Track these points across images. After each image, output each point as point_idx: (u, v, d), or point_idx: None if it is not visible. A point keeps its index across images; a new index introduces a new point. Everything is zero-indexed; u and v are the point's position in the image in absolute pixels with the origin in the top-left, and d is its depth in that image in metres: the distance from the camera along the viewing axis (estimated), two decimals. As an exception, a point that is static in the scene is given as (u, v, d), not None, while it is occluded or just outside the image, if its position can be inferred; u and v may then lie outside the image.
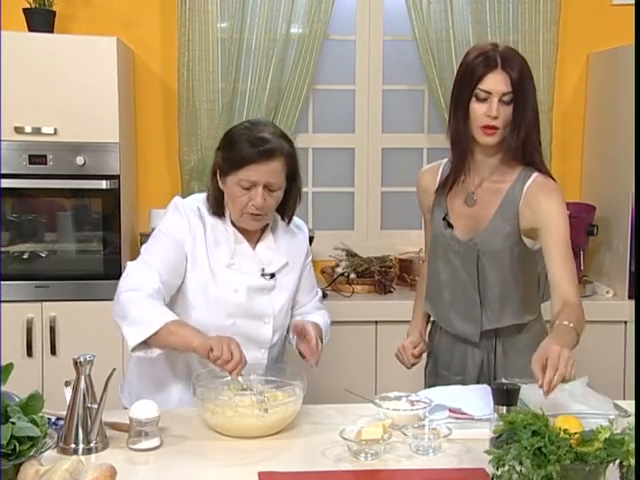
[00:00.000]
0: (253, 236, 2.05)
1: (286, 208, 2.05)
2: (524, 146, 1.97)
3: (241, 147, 1.92)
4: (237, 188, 1.93)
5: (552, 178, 2.02)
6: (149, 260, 1.96)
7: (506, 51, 1.96)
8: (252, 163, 1.90)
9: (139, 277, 1.93)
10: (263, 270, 2.03)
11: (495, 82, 1.92)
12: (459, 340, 2.15)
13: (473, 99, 1.94)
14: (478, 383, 2.10)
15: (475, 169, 2.05)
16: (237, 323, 2.00)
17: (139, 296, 1.89)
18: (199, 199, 2.07)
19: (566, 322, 1.80)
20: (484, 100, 1.93)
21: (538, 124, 2.00)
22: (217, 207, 2.01)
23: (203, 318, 1.97)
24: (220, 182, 1.98)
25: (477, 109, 1.94)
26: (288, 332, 2.15)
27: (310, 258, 2.19)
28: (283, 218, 2.08)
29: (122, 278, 1.97)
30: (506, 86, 1.92)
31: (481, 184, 2.05)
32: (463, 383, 2.10)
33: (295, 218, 2.13)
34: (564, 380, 1.66)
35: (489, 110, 1.92)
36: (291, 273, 2.09)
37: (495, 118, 1.93)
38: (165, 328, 1.84)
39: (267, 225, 2.06)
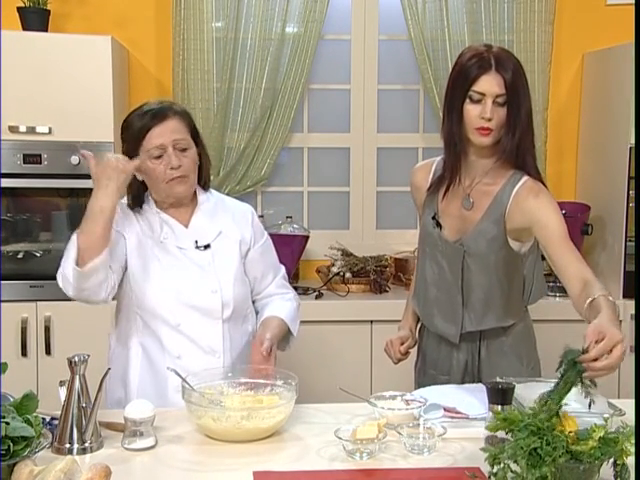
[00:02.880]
0: (185, 216, 2.08)
1: (201, 170, 2.08)
2: (518, 148, 1.96)
3: (134, 122, 2.00)
4: (150, 162, 1.98)
5: (542, 182, 2.01)
6: None
7: (500, 53, 1.95)
8: (149, 129, 1.97)
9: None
10: (197, 242, 2.06)
11: (489, 84, 1.91)
12: (444, 340, 2.15)
13: (467, 101, 1.94)
14: (463, 383, 2.10)
15: (467, 170, 2.05)
16: (181, 296, 2.02)
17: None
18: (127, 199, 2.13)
19: (603, 295, 1.72)
20: (478, 102, 1.93)
21: (532, 126, 1.99)
22: (138, 198, 2.06)
23: (143, 295, 2.03)
24: (136, 171, 2.00)
25: (471, 111, 1.94)
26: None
27: (265, 239, 2.19)
28: (202, 185, 2.11)
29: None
30: (500, 88, 1.91)
31: (472, 186, 2.04)
32: (449, 382, 2.10)
33: (244, 206, 2.18)
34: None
35: (483, 112, 1.92)
36: (230, 242, 2.10)
37: (489, 120, 1.92)
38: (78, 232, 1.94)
39: (196, 204, 2.09)
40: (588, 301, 1.74)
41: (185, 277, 2.04)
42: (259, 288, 2.19)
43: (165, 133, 1.97)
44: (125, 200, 2.09)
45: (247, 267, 2.14)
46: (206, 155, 2.11)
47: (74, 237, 1.96)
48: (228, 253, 2.09)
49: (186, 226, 2.08)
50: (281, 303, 2.19)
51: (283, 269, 2.27)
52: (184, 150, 2.00)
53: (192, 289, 2.04)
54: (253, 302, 2.21)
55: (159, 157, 1.98)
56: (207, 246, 2.07)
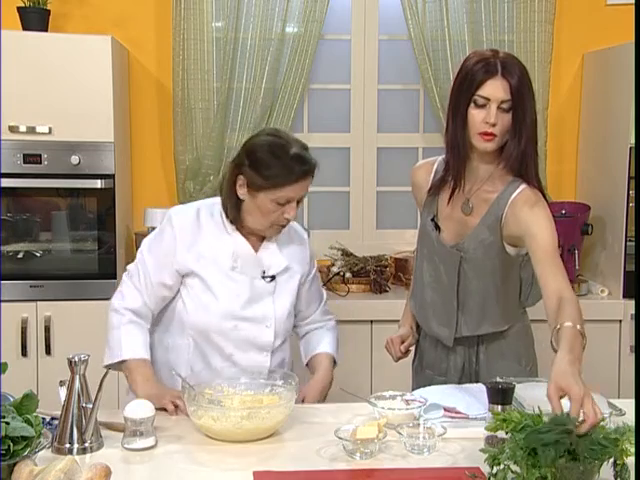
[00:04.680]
0: (255, 241, 2.06)
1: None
2: (522, 155, 1.95)
3: (281, 169, 1.92)
4: (272, 205, 1.94)
5: (541, 191, 1.99)
6: (136, 280, 2.05)
7: (506, 58, 1.93)
8: (292, 184, 1.93)
9: (126, 298, 2.05)
10: (264, 272, 2.05)
11: (494, 89, 1.90)
12: (441, 342, 2.15)
13: (472, 105, 1.92)
14: (460, 384, 2.09)
15: (468, 175, 2.03)
16: (238, 326, 2.03)
17: (120, 321, 2.02)
18: (198, 206, 2.08)
19: (570, 324, 1.70)
20: (482, 106, 1.91)
21: (536, 133, 1.97)
22: (237, 216, 2.01)
23: (202, 322, 2.02)
24: (246, 193, 1.96)
25: (475, 115, 1.92)
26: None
27: (315, 269, 2.21)
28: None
29: (115, 293, 2.09)
30: (505, 93, 1.90)
31: (473, 191, 2.03)
32: (445, 383, 2.10)
33: (299, 227, 2.18)
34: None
35: (487, 117, 1.90)
36: (292, 277, 2.10)
37: (493, 125, 1.91)
38: (125, 363, 1.98)
39: None
40: (556, 328, 1.72)
41: (246, 308, 2.03)
42: (304, 315, 2.21)
43: (301, 189, 1.95)
44: (188, 216, 2.03)
45: (298, 297, 2.15)
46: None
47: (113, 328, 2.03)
48: (289, 287, 2.09)
49: (256, 251, 2.05)
50: (327, 335, 2.21)
51: (325, 295, 2.29)
52: (299, 202, 2.00)
53: (249, 322, 2.04)
54: (295, 326, 2.21)
55: (282, 204, 1.95)
56: (273, 277, 2.06)
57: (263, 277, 2.05)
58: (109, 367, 1.95)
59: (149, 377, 1.95)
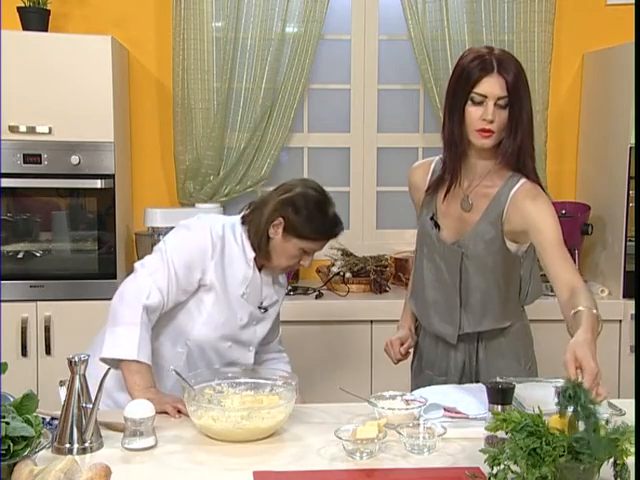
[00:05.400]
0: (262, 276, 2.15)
1: None
2: (519, 150, 1.96)
3: (321, 225, 2.05)
4: (297, 252, 2.06)
5: (540, 185, 2.00)
6: (160, 278, 1.98)
7: (502, 55, 1.94)
8: (322, 240, 2.08)
9: (143, 293, 1.96)
10: (261, 303, 2.16)
11: (491, 86, 1.91)
12: (442, 340, 2.15)
13: (469, 102, 1.93)
14: (460, 384, 2.10)
15: (466, 172, 2.04)
16: (232, 347, 2.11)
17: (134, 319, 1.93)
18: (225, 224, 2.10)
19: (586, 308, 1.72)
20: (479, 104, 1.92)
21: (532, 129, 1.98)
22: (262, 250, 2.07)
23: (207, 337, 2.07)
24: (279, 235, 2.04)
25: (472, 112, 1.93)
26: None
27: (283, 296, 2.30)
28: None
29: (129, 283, 2.00)
30: (502, 90, 1.91)
31: (472, 187, 2.04)
32: (446, 383, 2.10)
33: None
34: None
35: (485, 114, 1.91)
36: (276, 309, 2.23)
37: (491, 122, 1.92)
38: (127, 363, 1.91)
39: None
40: (572, 312, 1.74)
41: (242, 332, 2.12)
42: (267, 340, 2.25)
43: (323, 246, 2.10)
44: (219, 229, 2.06)
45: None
46: None
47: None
48: (271, 315, 2.21)
49: (260, 283, 2.14)
50: (287, 369, 2.23)
51: (281, 331, 2.35)
52: (312, 255, 2.12)
53: (240, 344, 2.13)
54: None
55: (305, 252, 2.06)
56: (266, 309, 2.17)
57: (259, 307, 2.15)
58: (106, 360, 1.90)
59: (150, 384, 1.93)
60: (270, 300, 2.17)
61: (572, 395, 1.43)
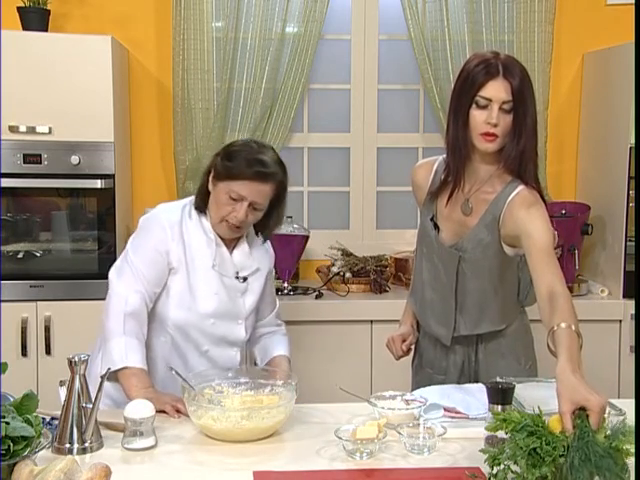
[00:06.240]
0: (229, 242, 2.15)
1: (264, 228, 2.18)
2: (521, 155, 1.95)
3: (240, 162, 2.02)
4: (225, 197, 2.03)
5: (540, 192, 2.00)
6: (131, 280, 2.03)
7: (507, 59, 1.94)
8: (246, 179, 2.00)
9: (123, 300, 2.01)
10: (237, 273, 2.14)
11: (496, 90, 1.90)
12: (439, 340, 2.15)
13: (473, 106, 1.93)
14: (459, 383, 2.10)
15: (468, 176, 2.04)
16: (216, 323, 2.10)
17: (117, 327, 1.97)
18: (176, 206, 2.15)
19: (564, 324, 1.68)
20: (484, 107, 1.92)
21: (536, 135, 1.98)
22: (202, 204, 2.11)
23: (184, 318, 2.08)
24: (211, 184, 2.07)
25: (477, 116, 1.93)
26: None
27: (273, 274, 2.32)
28: (257, 234, 2.20)
29: (109, 296, 2.04)
30: (507, 94, 1.91)
31: (472, 191, 2.04)
32: (445, 382, 2.11)
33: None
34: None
35: (489, 117, 1.91)
36: (259, 279, 2.20)
37: (495, 126, 1.91)
38: (121, 372, 1.94)
39: (242, 235, 2.16)
40: (552, 329, 1.70)
41: (222, 306, 2.11)
42: (261, 315, 2.28)
43: (253, 191, 2.01)
44: (174, 214, 2.10)
45: (261, 294, 2.23)
46: (280, 217, 2.16)
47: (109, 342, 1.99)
48: (256, 286, 2.19)
49: (230, 251, 2.14)
50: (282, 340, 2.29)
51: (278, 303, 2.36)
52: (255, 209, 2.05)
53: (225, 319, 2.13)
54: None
55: (234, 200, 2.02)
56: (245, 279, 2.15)
57: (237, 277, 2.13)
58: (105, 377, 1.88)
59: (148, 384, 1.95)
60: (249, 269, 2.15)
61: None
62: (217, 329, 2.11)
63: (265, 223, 2.14)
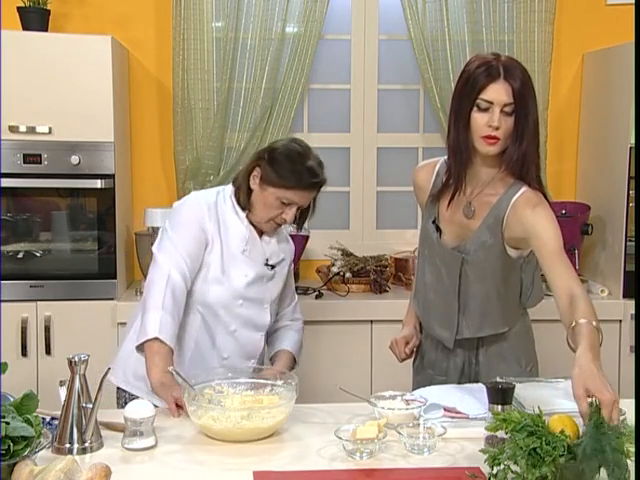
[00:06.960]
0: (259, 230, 2.20)
1: (303, 219, 2.25)
2: (524, 158, 1.95)
3: (295, 173, 2.07)
4: (276, 202, 2.10)
5: (543, 193, 1.99)
6: (176, 248, 2.07)
7: (508, 62, 1.93)
8: (300, 190, 2.09)
9: (164, 271, 2.04)
10: (267, 261, 2.20)
11: (497, 92, 1.90)
12: (442, 343, 2.15)
13: (474, 109, 1.92)
14: (460, 384, 2.09)
15: (470, 179, 2.03)
16: (244, 304, 2.15)
17: (157, 300, 1.99)
18: (210, 192, 2.21)
19: (585, 320, 1.71)
20: (486, 110, 1.91)
21: (538, 137, 1.97)
22: (247, 203, 2.15)
23: (215, 296, 2.13)
24: (257, 186, 2.11)
25: (478, 119, 1.92)
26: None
27: (292, 266, 2.36)
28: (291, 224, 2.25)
29: (152, 270, 2.07)
30: (508, 97, 1.90)
31: (474, 194, 2.03)
32: (446, 383, 2.10)
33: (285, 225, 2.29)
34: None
35: (491, 120, 1.90)
36: (284, 268, 2.27)
37: (497, 128, 1.91)
38: (150, 343, 1.95)
39: None
40: (571, 325, 1.73)
41: (251, 289, 2.16)
42: (281, 306, 2.33)
43: (304, 198, 2.11)
44: (210, 197, 2.16)
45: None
46: (315, 208, 2.22)
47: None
48: (281, 274, 2.26)
49: (260, 240, 2.19)
50: (293, 335, 2.33)
51: (297, 297, 2.42)
52: (299, 209, 2.14)
53: (253, 302, 2.18)
54: None
55: (285, 204, 2.09)
56: (273, 266, 2.21)
57: (266, 264, 2.20)
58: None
59: (164, 362, 1.94)
60: (277, 258, 2.22)
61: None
62: (245, 310, 2.15)
63: (303, 214, 2.21)
